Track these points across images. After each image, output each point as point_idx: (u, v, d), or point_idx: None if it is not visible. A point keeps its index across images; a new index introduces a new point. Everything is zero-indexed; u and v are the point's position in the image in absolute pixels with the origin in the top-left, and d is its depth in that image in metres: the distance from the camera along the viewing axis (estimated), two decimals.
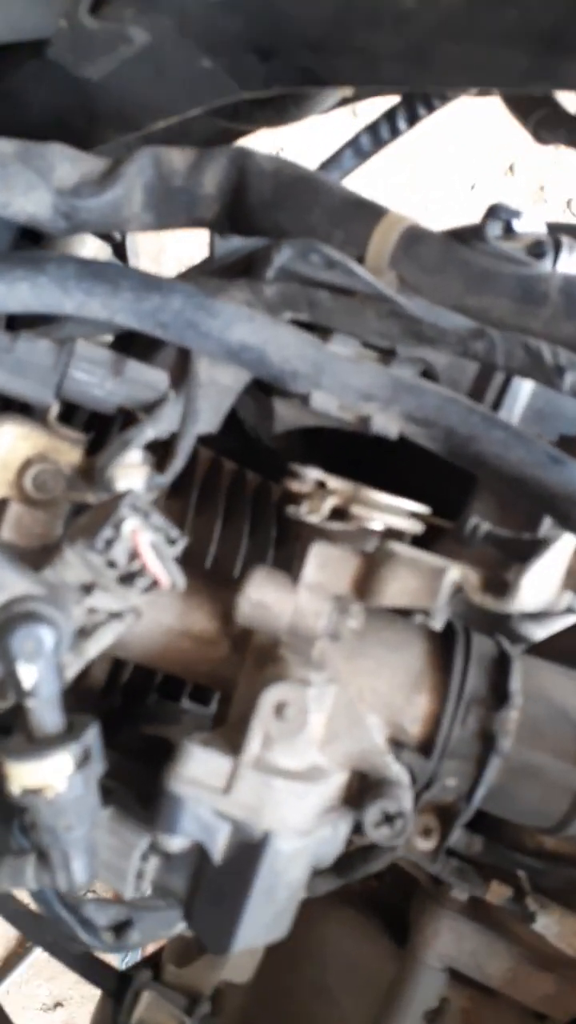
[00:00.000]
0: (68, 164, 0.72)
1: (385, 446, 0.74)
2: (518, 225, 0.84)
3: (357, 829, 0.79)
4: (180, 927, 0.72)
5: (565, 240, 0.77)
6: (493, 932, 0.77)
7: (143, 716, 0.81)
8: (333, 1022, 0.84)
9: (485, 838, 0.76)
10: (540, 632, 0.79)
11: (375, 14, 0.50)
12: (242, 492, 0.85)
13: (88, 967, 0.77)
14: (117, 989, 0.76)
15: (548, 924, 0.73)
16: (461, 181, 2.16)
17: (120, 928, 0.69)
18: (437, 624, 0.61)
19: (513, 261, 0.65)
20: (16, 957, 2.17)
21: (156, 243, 1.46)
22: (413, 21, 0.49)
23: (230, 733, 0.55)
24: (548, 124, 0.71)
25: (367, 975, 0.83)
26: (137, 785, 0.62)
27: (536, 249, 0.73)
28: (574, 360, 0.63)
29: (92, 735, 0.52)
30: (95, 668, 0.79)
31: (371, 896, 0.91)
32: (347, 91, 0.79)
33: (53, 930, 0.78)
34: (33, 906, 0.76)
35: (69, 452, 0.65)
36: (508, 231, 0.83)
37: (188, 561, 0.78)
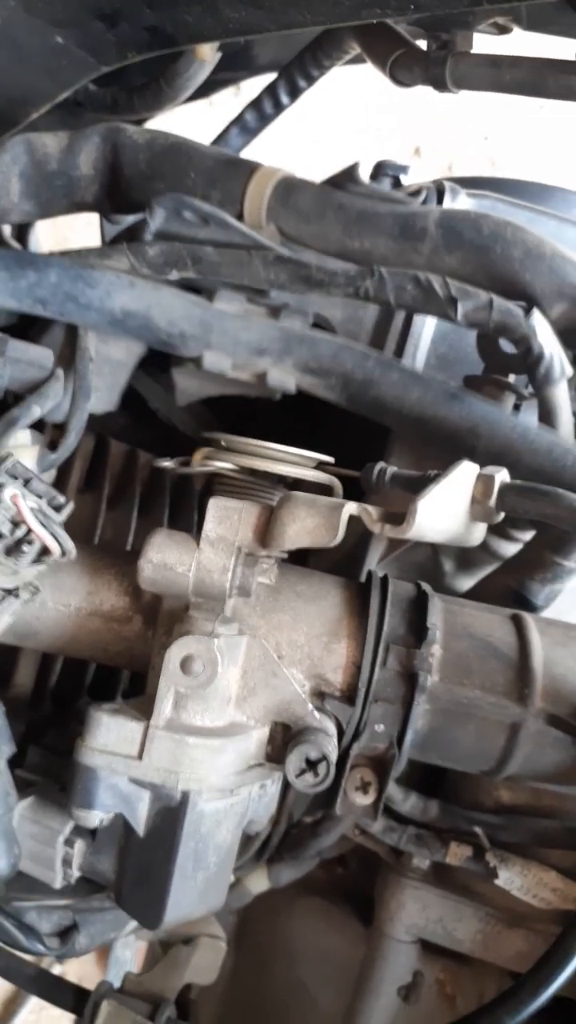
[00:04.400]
0: None
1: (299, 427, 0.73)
2: (405, 180, 0.85)
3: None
4: (129, 927, 0.69)
5: (448, 185, 0.78)
6: (458, 896, 0.75)
7: (74, 719, 0.78)
8: (310, 1015, 0.80)
9: (440, 802, 0.74)
10: (467, 582, 0.78)
11: None
12: (158, 480, 0.83)
13: (43, 986, 0.73)
14: (76, 1004, 0.72)
15: (511, 878, 0.71)
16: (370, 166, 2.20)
17: (65, 933, 0.65)
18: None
19: (389, 200, 0.65)
20: (16, 1004, 2.08)
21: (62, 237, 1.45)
22: None
23: (142, 702, 0.53)
24: (404, 63, 0.72)
25: (339, 962, 0.79)
26: (62, 779, 0.59)
27: (415, 193, 0.73)
28: (465, 290, 0.63)
29: None
30: (20, 673, 0.76)
31: (338, 884, 0.88)
32: (212, 64, 0.79)
33: (3, 953, 0.74)
34: None
35: None
36: (396, 185, 0.83)
37: (100, 545, 0.76)
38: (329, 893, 0.85)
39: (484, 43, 0.68)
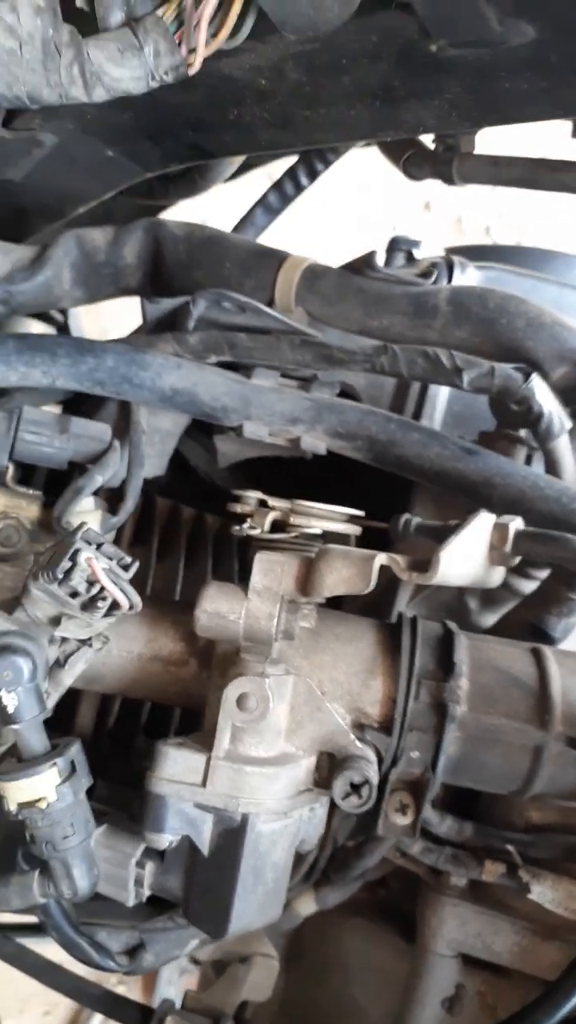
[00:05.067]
0: (0, 256, 0.81)
1: (330, 479, 0.81)
2: (418, 253, 0.93)
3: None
4: (193, 945, 0.75)
5: (457, 260, 0.86)
6: (495, 911, 0.80)
7: (133, 755, 0.85)
8: None
9: (475, 823, 0.80)
10: (490, 618, 0.84)
11: (238, 94, 0.59)
12: (200, 532, 0.91)
13: (110, 1005, 0.79)
14: (141, 1021, 0.78)
15: (543, 892, 0.76)
16: (383, 223, 2.29)
17: (133, 951, 0.72)
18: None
19: (403, 283, 0.73)
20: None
21: (97, 325, 1.55)
22: (270, 96, 0.58)
23: (202, 736, 0.60)
24: (415, 162, 0.80)
25: (385, 976, 0.85)
26: (129, 808, 0.66)
27: (428, 271, 0.82)
28: (469, 360, 0.70)
29: (76, 750, 0.57)
30: (82, 714, 0.83)
31: (381, 904, 0.93)
32: (242, 158, 0.88)
33: (72, 976, 0.81)
34: (50, 955, 0.79)
35: (28, 508, 0.71)
36: (410, 259, 0.91)
37: (153, 596, 0.83)
38: (373, 913, 0.90)
39: (484, 138, 0.77)
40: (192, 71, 0.51)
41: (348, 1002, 0.86)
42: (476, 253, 0.91)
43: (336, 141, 0.60)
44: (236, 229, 1.05)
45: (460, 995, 0.80)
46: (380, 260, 0.75)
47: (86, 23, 0.53)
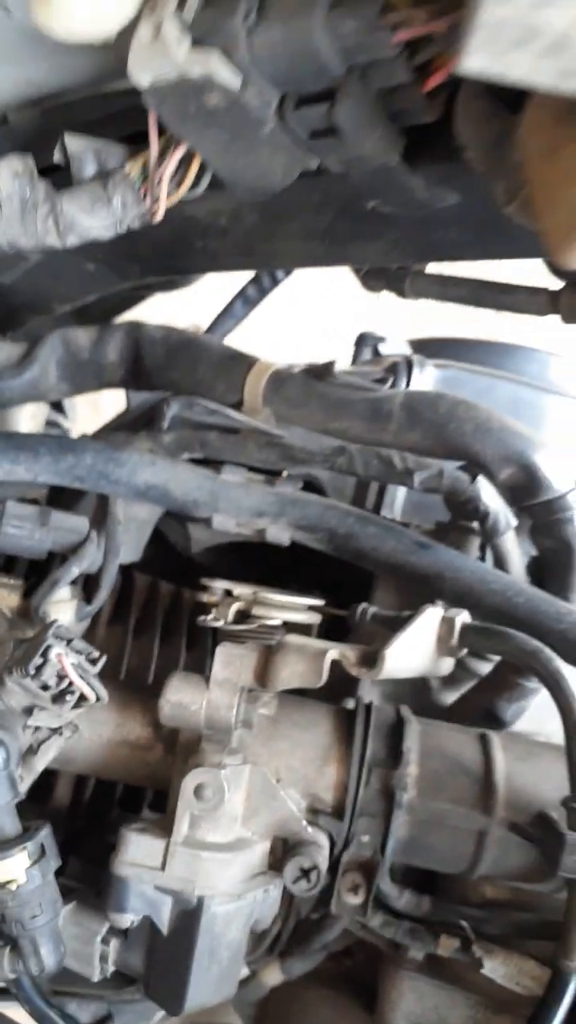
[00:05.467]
0: None
1: (297, 549, 0.86)
2: (384, 348, 1.00)
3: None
4: (158, 1017, 0.78)
5: (416, 359, 0.92)
6: (451, 985, 0.83)
7: (108, 829, 0.88)
8: None
9: (432, 898, 0.83)
10: (450, 696, 0.88)
11: (201, 231, 0.65)
12: (177, 608, 0.96)
13: None
14: None
15: (495, 967, 0.79)
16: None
17: (101, 1022, 0.75)
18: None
19: (360, 388, 0.79)
20: None
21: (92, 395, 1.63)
22: (230, 232, 0.64)
23: (164, 820, 0.64)
24: (372, 276, 0.87)
25: None
26: (99, 885, 0.70)
27: (388, 373, 0.88)
28: (420, 462, 0.76)
29: (45, 834, 0.61)
30: (59, 790, 0.87)
31: (347, 975, 0.96)
32: None
33: None
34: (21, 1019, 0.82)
35: (9, 597, 0.76)
36: (375, 354, 0.98)
37: (127, 678, 0.88)
38: (338, 983, 0.93)
39: None
40: (156, 219, 0.58)
41: None
42: (438, 348, 0.97)
43: (294, 267, 0.66)
44: (217, 319, 1.11)
45: None
46: (341, 366, 0.81)
47: (61, 175, 0.60)
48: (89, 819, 0.88)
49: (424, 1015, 0.83)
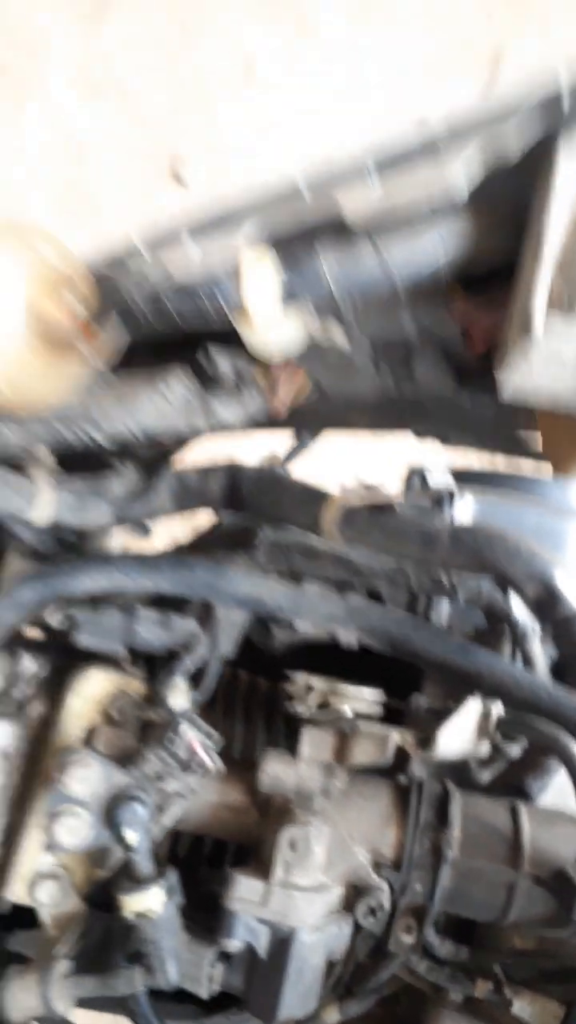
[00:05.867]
0: (118, 485, 1.09)
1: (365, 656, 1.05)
2: (430, 478, 1.20)
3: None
4: None
5: (456, 490, 1.12)
6: (486, 1023, 0.98)
7: (200, 881, 1.06)
8: None
9: (470, 947, 0.99)
10: (487, 775, 1.06)
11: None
12: (255, 695, 1.15)
13: None
14: None
15: (523, 1007, 0.95)
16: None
17: None
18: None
19: (414, 521, 0.99)
20: None
21: None
22: (318, 410, 0.86)
23: (259, 866, 0.82)
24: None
25: None
26: (200, 923, 0.88)
27: (435, 504, 1.08)
28: (464, 580, 0.95)
29: (174, 877, 0.80)
30: (159, 847, 1.05)
31: (395, 1019, 1.11)
32: None
33: None
34: None
35: (136, 685, 0.96)
36: (423, 484, 1.18)
37: (223, 754, 1.07)
38: None
39: None
40: (279, 416, 0.79)
41: None
42: (475, 478, 1.18)
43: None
44: (291, 452, 1.34)
45: None
46: (400, 498, 1.02)
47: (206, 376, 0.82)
48: (183, 873, 1.06)
49: None
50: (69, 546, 1.15)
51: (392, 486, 1.13)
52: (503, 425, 0.75)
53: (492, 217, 0.61)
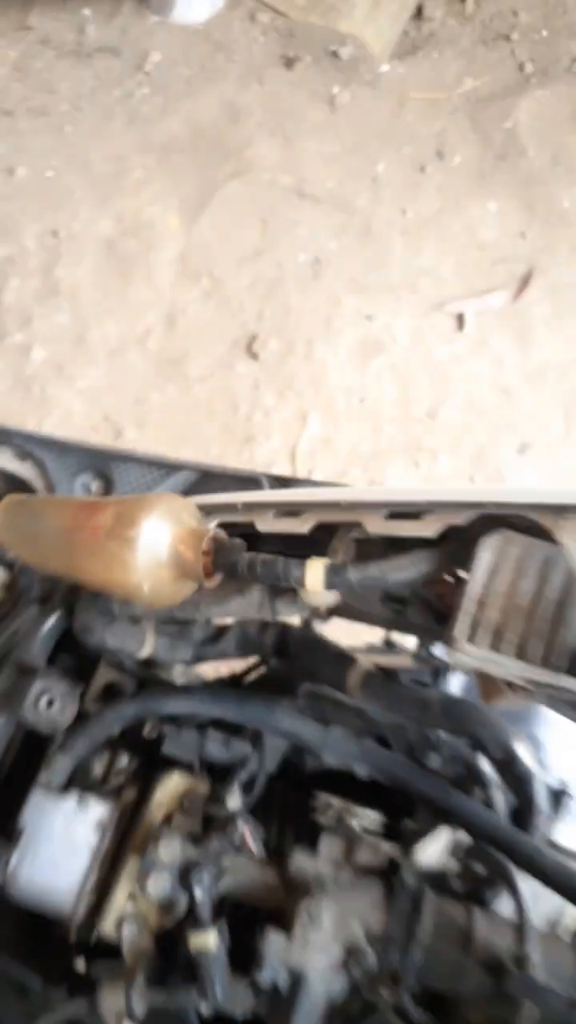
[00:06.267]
0: (198, 633, 1.49)
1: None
2: (436, 651, 1.59)
3: None
4: None
5: (449, 669, 1.50)
6: None
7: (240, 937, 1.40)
8: None
9: (436, 1017, 1.30)
10: (458, 884, 1.39)
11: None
12: (291, 807, 1.51)
13: None
14: None
15: None
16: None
17: None
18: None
19: (415, 690, 1.37)
20: None
21: None
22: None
23: (286, 927, 1.17)
24: None
25: None
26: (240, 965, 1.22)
27: (432, 674, 1.47)
28: (447, 742, 1.32)
29: (224, 927, 1.15)
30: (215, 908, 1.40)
31: None
32: None
33: None
34: None
35: (203, 787, 1.33)
36: (429, 655, 1.57)
37: (264, 846, 1.42)
38: None
39: None
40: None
41: None
42: None
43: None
44: None
45: None
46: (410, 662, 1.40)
47: None
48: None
49: None
50: (147, 673, 1.54)
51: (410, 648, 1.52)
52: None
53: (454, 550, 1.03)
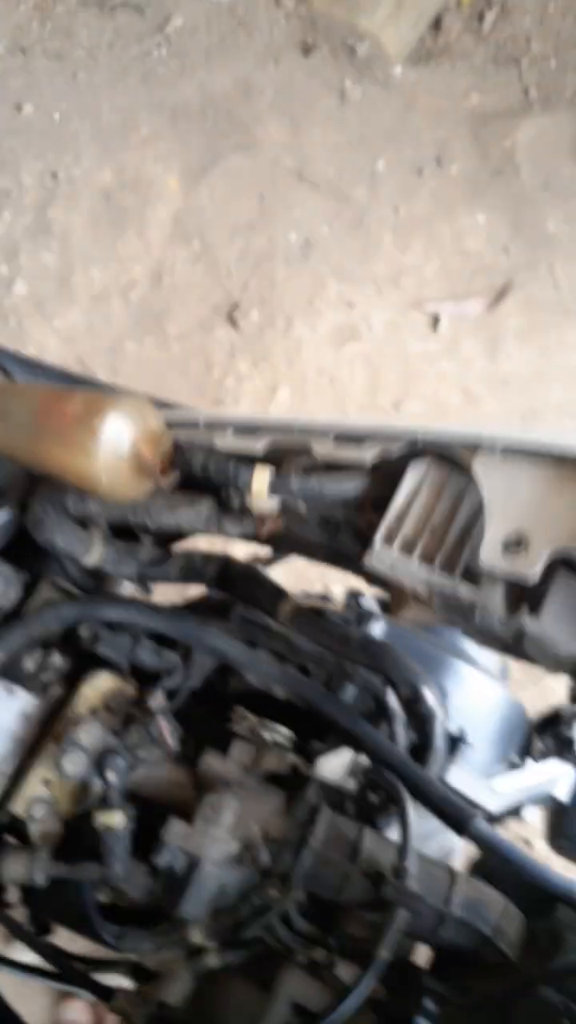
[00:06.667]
0: (144, 553, 1.56)
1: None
2: (361, 600, 1.69)
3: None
4: None
5: (375, 613, 1.60)
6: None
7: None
8: None
9: (318, 926, 1.39)
10: (351, 807, 1.49)
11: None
12: (209, 717, 1.59)
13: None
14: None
15: (344, 972, 1.35)
16: None
17: None
18: None
19: (339, 625, 1.46)
20: None
21: None
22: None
23: (189, 818, 1.25)
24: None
25: None
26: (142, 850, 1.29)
27: (358, 616, 1.56)
28: (364, 673, 1.41)
29: (131, 811, 1.23)
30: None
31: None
32: None
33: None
34: None
35: (130, 690, 1.40)
36: (356, 603, 1.67)
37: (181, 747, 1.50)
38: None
39: None
40: (261, 538, 1.28)
41: None
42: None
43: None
44: (268, 560, 1.82)
45: None
46: (337, 608, 1.49)
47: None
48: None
49: None
50: (94, 586, 1.61)
51: (337, 598, 1.62)
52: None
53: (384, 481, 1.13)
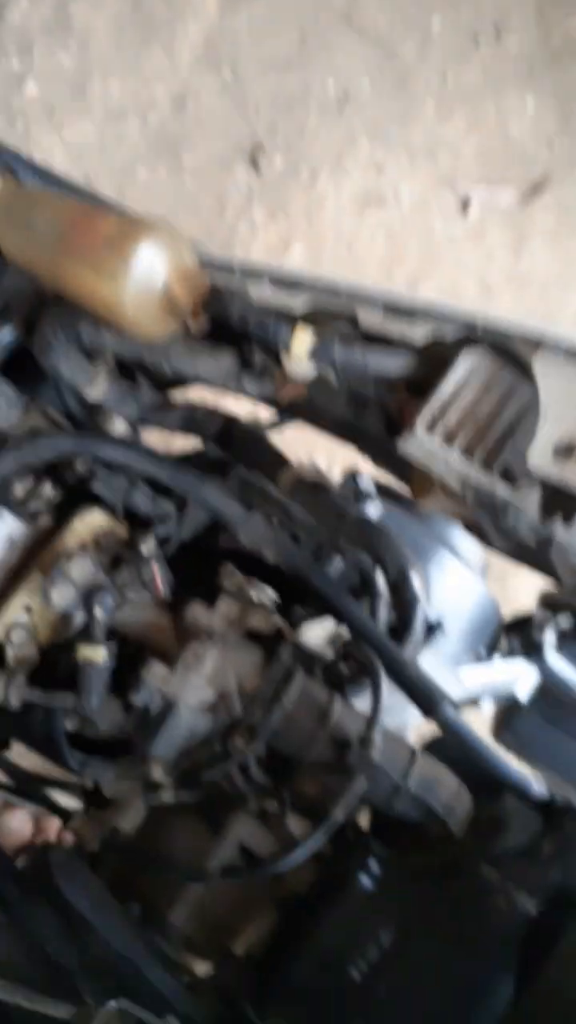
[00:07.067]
0: (148, 396, 1.50)
1: None
2: (360, 480, 1.67)
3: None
4: None
5: (373, 495, 1.58)
6: None
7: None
8: None
9: (274, 779, 1.45)
10: (321, 675, 1.53)
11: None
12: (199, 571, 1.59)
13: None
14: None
15: (294, 825, 1.42)
16: None
17: None
18: None
19: (336, 501, 1.44)
20: None
21: None
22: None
23: (170, 663, 1.27)
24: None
25: None
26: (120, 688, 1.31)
27: (356, 495, 1.54)
28: (353, 550, 1.41)
29: (114, 647, 1.23)
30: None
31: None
32: None
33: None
34: None
35: (121, 531, 1.38)
36: (354, 482, 1.65)
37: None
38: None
39: None
40: (279, 403, 1.23)
41: None
42: (389, 494, 1.64)
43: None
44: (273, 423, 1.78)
45: None
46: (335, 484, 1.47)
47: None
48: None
49: None
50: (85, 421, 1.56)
51: (336, 475, 1.59)
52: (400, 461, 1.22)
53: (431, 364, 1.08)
